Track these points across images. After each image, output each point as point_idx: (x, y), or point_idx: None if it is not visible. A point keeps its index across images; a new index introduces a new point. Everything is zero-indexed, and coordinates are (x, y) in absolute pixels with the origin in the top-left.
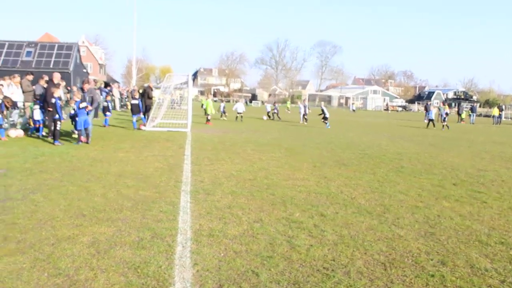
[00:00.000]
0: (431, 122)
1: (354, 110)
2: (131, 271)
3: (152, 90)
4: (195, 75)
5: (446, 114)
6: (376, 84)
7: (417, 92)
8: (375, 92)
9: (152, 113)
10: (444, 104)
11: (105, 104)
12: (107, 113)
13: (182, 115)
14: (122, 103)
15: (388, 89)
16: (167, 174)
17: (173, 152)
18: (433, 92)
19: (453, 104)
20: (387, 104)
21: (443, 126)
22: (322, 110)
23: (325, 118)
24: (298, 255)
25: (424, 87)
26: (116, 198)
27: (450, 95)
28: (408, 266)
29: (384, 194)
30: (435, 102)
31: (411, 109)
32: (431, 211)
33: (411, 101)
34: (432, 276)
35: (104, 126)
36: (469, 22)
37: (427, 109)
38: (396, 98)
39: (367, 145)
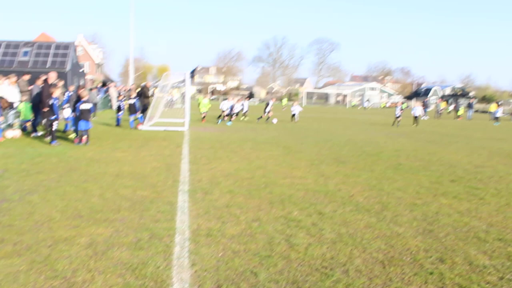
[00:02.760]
0: (415, 119)
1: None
2: (129, 272)
3: (149, 89)
4: (192, 74)
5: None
6: (374, 81)
7: (415, 89)
8: (372, 89)
9: (149, 112)
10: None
11: (118, 103)
12: (120, 112)
13: (179, 114)
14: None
15: (385, 86)
16: (165, 174)
17: (171, 151)
18: (431, 89)
19: (450, 101)
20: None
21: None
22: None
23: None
24: (296, 254)
25: (422, 83)
26: (113, 198)
27: (448, 91)
28: (407, 264)
29: (382, 192)
30: (432, 99)
31: (408, 106)
32: (429, 208)
33: (409, 98)
34: (431, 273)
35: (117, 125)
36: (466, 19)
37: (424, 105)
38: (394, 94)
39: (365, 142)
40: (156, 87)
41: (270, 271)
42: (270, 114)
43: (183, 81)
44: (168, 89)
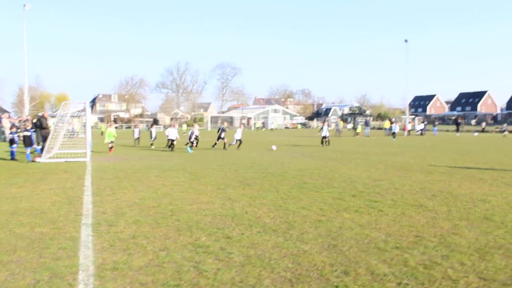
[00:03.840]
0: (324, 139)
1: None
2: None
3: (47, 119)
4: (93, 102)
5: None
6: (276, 103)
7: (316, 109)
8: (275, 111)
9: (48, 143)
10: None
11: (11, 136)
12: (14, 145)
13: (80, 144)
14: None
15: (288, 108)
16: (66, 208)
17: (72, 184)
18: (330, 109)
19: (348, 119)
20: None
21: (325, 142)
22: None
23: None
24: (205, 280)
25: (322, 104)
26: (8, 238)
27: (346, 110)
28: (314, 280)
29: (288, 211)
30: (332, 118)
31: (310, 126)
32: (333, 224)
33: (310, 118)
34: (337, 286)
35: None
36: (358, 43)
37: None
38: (296, 115)
39: (270, 163)
40: (54, 117)
41: None
42: (225, 140)
43: (83, 110)
44: (67, 119)
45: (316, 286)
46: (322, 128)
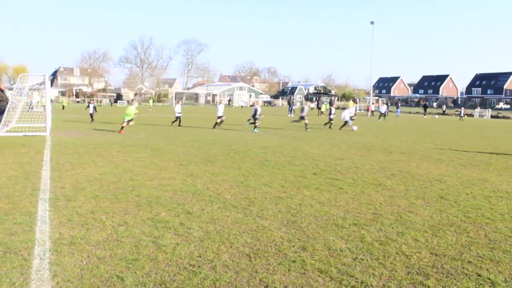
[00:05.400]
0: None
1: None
2: None
3: (3, 91)
4: (54, 75)
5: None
6: (242, 81)
7: (281, 88)
8: (241, 88)
9: (4, 116)
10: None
11: None
12: None
13: (40, 118)
14: None
15: (253, 86)
16: (23, 183)
17: (30, 159)
18: (296, 88)
19: (313, 98)
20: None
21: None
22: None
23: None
24: (164, 255)
25: (288, 82)
26: None
27: (311, 90)
28: (272, 255)
29: (249, 188)
30: (298, 97)
31: (275, 104)
32: (293, 201)
33: (276, 97)
34: (294, 261)
35: None
36: (326, 23)
37: (289, 104)
38: (262, 94)
39: (233, 140)
40: (12, 89)
41: (137, 275)
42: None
43: (43, 83)
44: (26, 92)
45: (274, 261)
46: (303, 108)
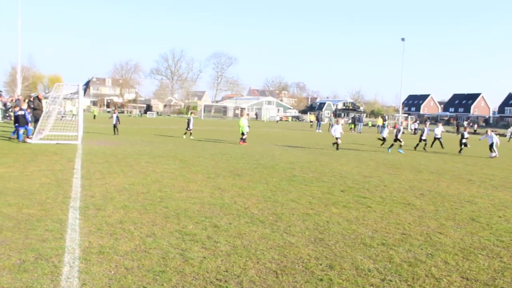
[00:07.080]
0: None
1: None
2: None
3: (41, 100)
4: (87, 85)
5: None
6: (271, 95)
7: (310, 103)
8: (269, 103)
9: (39, 124)
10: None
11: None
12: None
13: (72, 127)
14: (6, 114)
15: (282, 100)
16: (55, 190)
17: (62, 166)
18: (324, 103)
19: (342, 114)
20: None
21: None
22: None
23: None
24: (191, 268)
25: (316, 98)
26: None
27: (340, 105)
28: (299, 272)
29: (276, 203)
30: (326, 113)
31: (303, 119)
32: (321, 218)
33: (304, 112)
34: (321, 280)
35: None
36: (355, 39)
37: (318, 119)
38: (290, 108)
39: (261, 155)
40: (47, 98)
41: (164, 287)
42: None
43: (77, 92)
44: (60, 101)
45: (301, 279)
46: (332, 125)
